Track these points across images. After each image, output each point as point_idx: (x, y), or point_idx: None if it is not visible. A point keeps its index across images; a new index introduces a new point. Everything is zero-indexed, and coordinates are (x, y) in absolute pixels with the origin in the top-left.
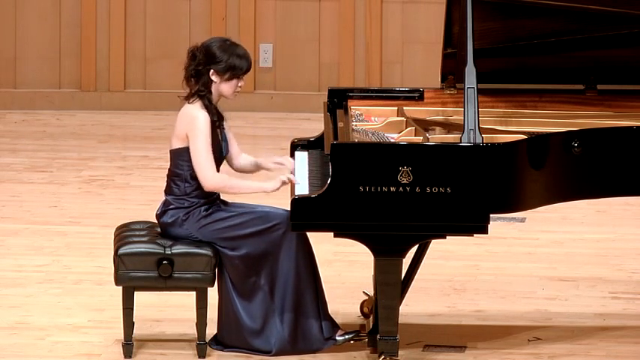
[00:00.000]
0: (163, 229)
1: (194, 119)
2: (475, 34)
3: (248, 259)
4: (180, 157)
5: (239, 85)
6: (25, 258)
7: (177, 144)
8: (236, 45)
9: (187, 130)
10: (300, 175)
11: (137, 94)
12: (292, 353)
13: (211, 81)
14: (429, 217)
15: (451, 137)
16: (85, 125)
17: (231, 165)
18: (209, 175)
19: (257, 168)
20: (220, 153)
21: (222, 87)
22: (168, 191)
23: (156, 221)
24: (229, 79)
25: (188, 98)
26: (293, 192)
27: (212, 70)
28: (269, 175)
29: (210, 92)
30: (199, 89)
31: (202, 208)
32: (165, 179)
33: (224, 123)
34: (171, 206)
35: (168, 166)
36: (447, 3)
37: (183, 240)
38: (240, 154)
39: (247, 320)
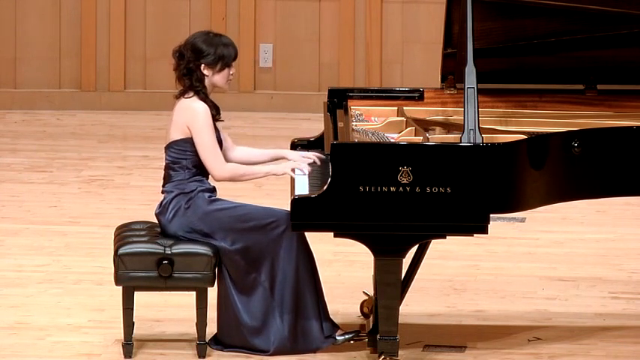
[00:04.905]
0: (163, 226)
1: (195, 112)
2: (475, 34)
3: (247, 254)
4: (182, 147)
5: (231, 73)
6: (25, 258)
7: (176, 135)
8: (219, 35)
9: (188, 123)
10: (300, 175)
11: (137, 94)
12: (292, 353)
13: (204, 75)
14: (429, 217)
15: (451, 137)
16: (85, 125)
17: (229, 159)
18: (219, 166)
19: (271, 159)
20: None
21: (215, 79)
22: (167, 180)
23: (156, 221)
24: (220, 69)
25: (183, 94)
26: (293, 192)
27: (203, 65)
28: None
29: (205, 87)
30: (194, 85)
31: (206, 194)
32: (163, 174)
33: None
34: (172, 194)
35: (166, 161)
36: (447, 3)
37: (183, 240)
38: (234, 148)
39: (247, 318)
